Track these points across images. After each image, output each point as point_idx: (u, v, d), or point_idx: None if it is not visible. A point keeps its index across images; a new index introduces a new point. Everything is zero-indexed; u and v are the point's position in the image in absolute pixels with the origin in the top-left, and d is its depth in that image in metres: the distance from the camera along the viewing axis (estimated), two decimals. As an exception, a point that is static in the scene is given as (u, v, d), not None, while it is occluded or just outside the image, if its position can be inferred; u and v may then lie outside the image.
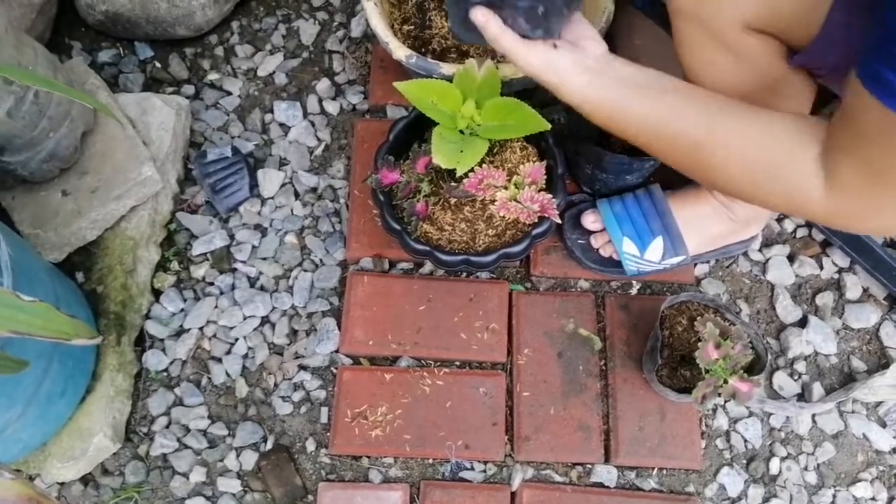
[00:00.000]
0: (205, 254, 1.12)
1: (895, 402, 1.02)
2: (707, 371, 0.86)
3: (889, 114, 0.52)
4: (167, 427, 1.01)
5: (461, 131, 0.91)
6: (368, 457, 0.99)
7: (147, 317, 1.07)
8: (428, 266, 1.10)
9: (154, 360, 1.04)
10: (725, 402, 1.02)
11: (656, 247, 1.01)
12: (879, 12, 0.52)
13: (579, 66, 0.74)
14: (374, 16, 1.07)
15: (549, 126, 0.89)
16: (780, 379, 1.04)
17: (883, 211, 0.62)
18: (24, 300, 0.50)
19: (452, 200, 0.95)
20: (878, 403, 1.03)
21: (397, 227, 0.92)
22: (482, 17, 0.74)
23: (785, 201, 0.68)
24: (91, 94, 1.10)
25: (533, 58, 0.74)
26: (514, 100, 0.90)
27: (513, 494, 0.97)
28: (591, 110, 0.75)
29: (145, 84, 1.25)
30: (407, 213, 0.92)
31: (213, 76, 1.25)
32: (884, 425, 1.02)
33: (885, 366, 1.04)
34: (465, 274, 1.09)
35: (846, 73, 0.59)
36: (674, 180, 1.09)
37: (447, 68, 1.02)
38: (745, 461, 1.01)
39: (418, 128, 0.99)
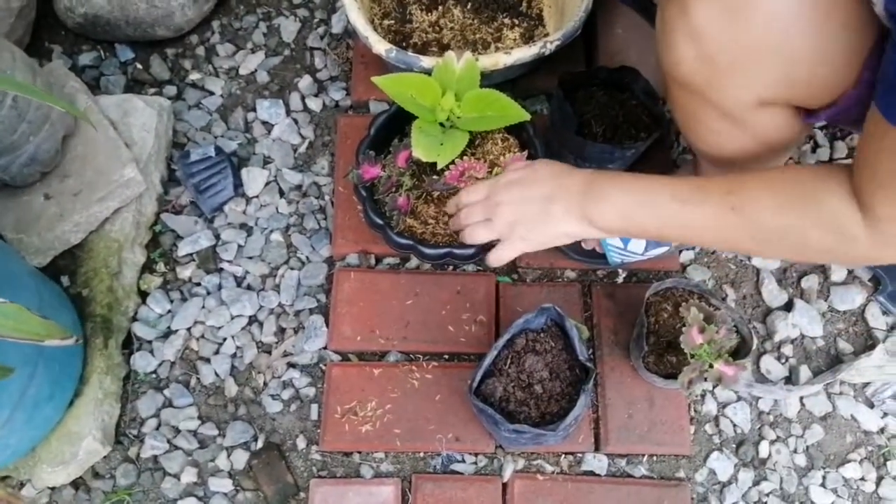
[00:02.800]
0: (191, 254, 1.11)
1: (882, 382, 1.03)
2: (692, 356, 0.86)
3: None
4: (157, 429, 1.01)
5: (441, 124, 0.91)
6: (359, 452, 1.00)
7: (134, 319, 1.06)
8: (414, 260, 1.10)
9: (142, 362, 1.04)
10: (714, 387, 1.03)
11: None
12: None
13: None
14: (353, 11, 1.07)
15: (528, 116, 0.90)
16: (768, 363, 1.05)
17: None
18: (-5, 301, 0.50)
19: (435, 193, 0.95)
20: (866, 384, 1.04)
21: (380, 221, 0.91)
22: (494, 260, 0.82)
23: (832, 243, 0.65)
24: (71, 97, 1.09)
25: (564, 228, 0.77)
26: (494, 91, 0.90)
27: (504, 485, 0.97)
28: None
29: (127, 86, 1.24)
30: (389, 207, 0.92)
31: (194, 76, 1.25)
32: (871, 406, 1.03)
33: (872, 347, 1.05)
34: (451, 267, 1.09)
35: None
36: (654, 169, 1.10)
37: (427, 61, 1.02)
38: (734, 445, 1.01)
39: (400, 122, 0.99)
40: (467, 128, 0.91)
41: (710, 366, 0.85)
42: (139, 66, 1.26)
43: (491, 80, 1.09)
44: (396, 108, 0.97)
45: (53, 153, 1.02)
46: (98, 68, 1.26)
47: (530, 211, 0.77)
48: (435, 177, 0.92)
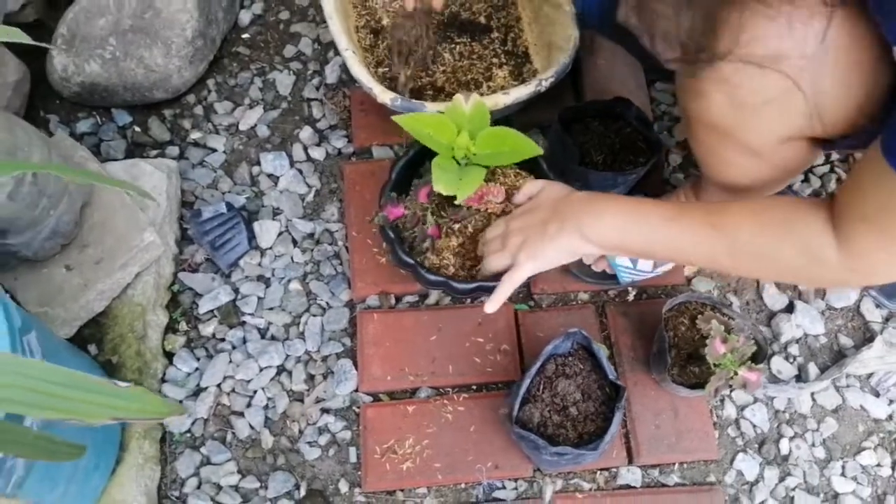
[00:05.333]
0: (212, 311, 1.13)
1: (885, 371, 1.10)
2: (717, 365, 0.92)
3: None
4: (198, 487, 1.02)
5: (458, 161, 0.95)
6: (402, 490, 1.02)
7: (163, 380, 1.07)
8: (433, 296, 1.13)
9: (177, 423, 1.04)
10: (731, 391, 1.08)
11: (647, 256, 1.07)
12: None
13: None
14: (354, 64, 1.10)
15: (541, 151, 0.94)
16: (778, 363, 1.10)
17: (892, 266, 0.66)
18: (120, 386, 0.52)
19: (456, 226, 0.99)
20: (870, 375, 1.11)
21: (411, 261, 0.95)
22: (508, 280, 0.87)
23: (803, 265, 0.70)
24: (81, 167, 1.10)
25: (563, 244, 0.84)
26: (506, 128, 0.94)
27: (545, 507, 1.01)
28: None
29: (127, 150, 1.26)
30: (419, 238, 0.96)
31: (195, 135, 1.27)
32: (877, 395, 1.09)
33: (871, 339, 1.11)
34: (469, 300, 1.13)
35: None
36: (650, 189, 1.16)
37: (432, 107, 1.06)
38: (756, 445, 1.06)
39: (416, 166, 1.03)
40: (483, 164, 0.95)
41: (735, 373, 0.91)
42: (137, 128, 1.28)
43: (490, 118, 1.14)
44: (414, 153, 1.01)
45: (73, 224, 1.03)
46: (96, 134, 1.27)
47: (533, 234, 0.85)
48: (455, 207, 0.96)
